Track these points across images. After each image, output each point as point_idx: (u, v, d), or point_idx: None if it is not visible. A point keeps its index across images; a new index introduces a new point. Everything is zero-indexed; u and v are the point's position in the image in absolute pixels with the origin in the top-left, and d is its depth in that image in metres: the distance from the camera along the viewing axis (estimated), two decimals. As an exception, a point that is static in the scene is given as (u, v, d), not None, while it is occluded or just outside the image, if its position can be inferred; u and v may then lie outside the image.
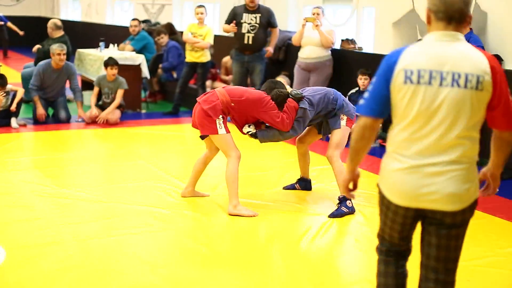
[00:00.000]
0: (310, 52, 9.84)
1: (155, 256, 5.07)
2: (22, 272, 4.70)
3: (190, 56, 11.12)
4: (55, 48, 9.97)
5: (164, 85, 12.90)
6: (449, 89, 3.12)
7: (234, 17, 10.17)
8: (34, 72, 10.09)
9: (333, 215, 6.14)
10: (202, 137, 6.26)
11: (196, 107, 6.19)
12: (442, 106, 3.13)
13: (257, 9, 10.16)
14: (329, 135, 6.55)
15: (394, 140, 3.27)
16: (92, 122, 10.23)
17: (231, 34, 10.51)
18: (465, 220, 3.28)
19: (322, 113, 6.33)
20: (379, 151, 8.91)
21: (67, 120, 10.30)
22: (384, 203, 3.38)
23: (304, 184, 6.94)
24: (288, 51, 11.07)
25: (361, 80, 9.32)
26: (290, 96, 6.23)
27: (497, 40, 7.96)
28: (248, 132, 6.24)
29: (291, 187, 6.97)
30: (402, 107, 3.20)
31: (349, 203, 6.23)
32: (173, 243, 5.40)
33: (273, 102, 6.11)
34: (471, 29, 7.63)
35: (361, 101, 3.33)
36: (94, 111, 10.23)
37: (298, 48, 10.05)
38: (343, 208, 6.19)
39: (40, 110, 10.03)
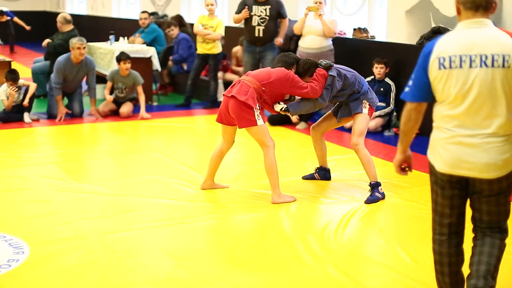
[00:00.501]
0: (312, 42, 9.76)
1: (179, 250, 5.04)
2: (46, 267, 4.68)
3: (202, 48, 11.07)
4: (75, 42, 9.86)
5: (175, 77, 12.86)
6: (478, 70, 3.49)
7: (243, 8, 10.10)
8: (55, 69, 9.94)
9: (368, 201, 6.22)
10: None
11: (226, 101, 6.13)
12: (474, 85, 3.50)
13: (267, 1, 10.09)
14: (345, 123, 6.77)
15: (438, 116, 3.66)
16: (105, 116, 10.19)
17: (241, 25, 10.44)
18: (502, 188, 3.62)
19: (347, 92, 6.35)
20: (393, 140, 8.87)
21: (80, 114, 10.26)
22: (433, 173, 3.72)
23: (323, 173, 6.92)
24: (298, 41, 11.01)
25: (377, 69, 9.28)
26: (320, 66, 6.28)
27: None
28: (281, 109, 6.24)
29: (311, 177, 6.94)
30: (440, 90, 3.59)
31: (381, 189, 6.34)
32: (196, 236, 5.36)
33: (297, 75, 6.17)
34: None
35: (406, 89, 3.71)
36: (110, 104, 10.19)
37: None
38: (377, 194, 6.29)
39: (62, 110, 9.96)
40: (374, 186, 6.32)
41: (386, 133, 9.19)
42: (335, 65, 6.36)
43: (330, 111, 6.67)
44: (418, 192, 6.48)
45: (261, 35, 10.06)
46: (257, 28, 10.03)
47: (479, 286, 3.62)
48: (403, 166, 3.84)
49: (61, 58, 10.01)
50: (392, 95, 9.28)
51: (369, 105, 6.40)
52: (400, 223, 5.72)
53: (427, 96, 3.65)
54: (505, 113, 3.50)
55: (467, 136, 3.53)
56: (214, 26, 10.94)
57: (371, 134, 9.06)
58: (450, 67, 3.52)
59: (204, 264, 4.78)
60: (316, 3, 9.74)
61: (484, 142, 3.51)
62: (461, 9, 3.63)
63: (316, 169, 6.96)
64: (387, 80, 9.34)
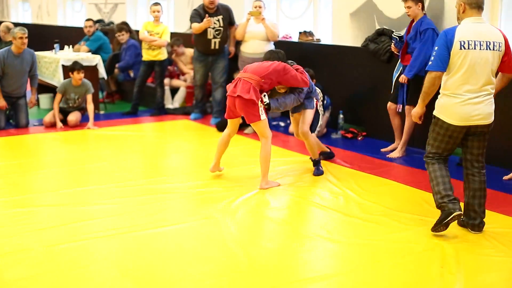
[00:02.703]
0: (256, 46, 9.77)
1: (125, 259, 4.97)
2: (-11, 282, 4.58)
3: (147, 55, 11.01)
4: (17, 31, 9.75)
5: (121, 85, 12.75)
6: (485, 52, 5.18)
7: (200, 19, 9.94)
8: None
9: (317, 174, 7.25)
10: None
11: (233, 100, 6.70)
12: (481, 62, 5.17)
13: (218, 10, 10.01)
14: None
15: (451, 86, 5.25)
16: (52, 126, 10.04)
17: (186, 30, 10.37)
18: (489, 129, 5.37)
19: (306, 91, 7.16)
20: (341, 142, 8.91)
21: (26, 125, 10.10)
22: (444, 127, 5.32)
23: (326, 154, 7.85)
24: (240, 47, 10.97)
25: None
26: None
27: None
28: (264, 103, 6.71)
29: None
30: (457, 64, 5.18)
31: (321, 165, 7.34)
32: (143, 245, 5.28)
33: (289, 66, 6.85)
34: (425, 14, 7.72)
35: (430, 62, 5.26)
36: (59, 124, 10.02)
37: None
38: (321, 168, 7.30)
39: (1, 102, 9.82)
40: (318, 162, 7.34)
41: (334, 136, 9.22)
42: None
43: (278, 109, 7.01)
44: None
45: (217, 47, 10.02)
46: (213, 41, 9.95)
47: (478, 218, 5.45)
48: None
49: (1, 50, 9.95)
50: (319, 102, 9.17)
51: (315, 100, 7.33)
52: (343, 222, 5.74)
53: (446, 67, 5.22)
54: (492, 80, 5.24)
55: (474, 98, 5.20)
56: (160, 33, 10.88)
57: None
58: (468, 48, 5.14)
59: (150, 273, 4.72)
60: (255, 7, 9.74)
61: (485, 100, 5.24)
62: (466, 8, 5.25)
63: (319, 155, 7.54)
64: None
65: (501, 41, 5.24)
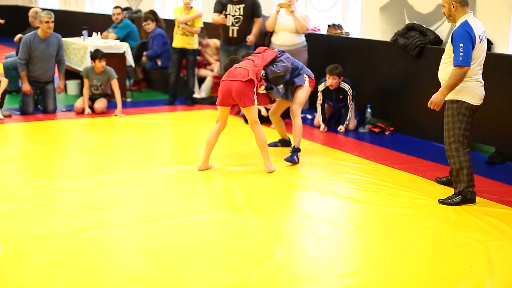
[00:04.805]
0: (285, 38, 9.78)
1: (152, 247, 4.99)
2: (18, 265, 4.61)
3: (181, 41, 10.85)
4: (44, 15, 9.83)
5: (149, 73, 12.77)
6: (484, 41, 5.92)
7: (221, 7, 10.04)
8: (21, 45, 9.94)
9: (287, 160, 7.27)
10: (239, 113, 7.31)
11: (229, 85, 6.78)
12: (484, 50, 5.94)
13: (242, 0, 10.05)
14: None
15: (473, 72, 5.87)
16: (82, 112, 10.09)
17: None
18: None
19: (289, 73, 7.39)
20: (368, 136, 8.87)
21: (54, 111, 10.16)
22: (468, 108, 5.94)
23: (284, 142, 8.06)
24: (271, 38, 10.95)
25: (329, 80, 9.01)
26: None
27: (486, 26, 7.90)
28: (265, 88, 7.13)
29: (274, 145, 8.08)
30: (477, 55, 5.85)
31: (299, 154, 7.41)
32: (170, 233, 5.30)
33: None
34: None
35: (461, 59, 5.69)
36: (87, 110, 10.08)
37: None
38: (295, 157, 7.32)
39: (26, 86, 9.86)
40: (296, 150, 7.38)
41: (361, 130, 9.18)
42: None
43: (280, 97, 7.53)
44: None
45: (235, 35, 10.04)
46: (231, 28, 10.02)
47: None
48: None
49: (28, 34, 10.08)
50: (349, 97, 9.14)
51: (309, 77, 7.46)
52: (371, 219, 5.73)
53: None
54: None
55: (481, 80, 5.98)
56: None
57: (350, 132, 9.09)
58: (481, 41, 5.85)
59: (177, 262, 4.74)
60: None
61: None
62: (458, 6, 5.85)
63: (278, 140, 8.12)
64: (342, 85, 9.09)
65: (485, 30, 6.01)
